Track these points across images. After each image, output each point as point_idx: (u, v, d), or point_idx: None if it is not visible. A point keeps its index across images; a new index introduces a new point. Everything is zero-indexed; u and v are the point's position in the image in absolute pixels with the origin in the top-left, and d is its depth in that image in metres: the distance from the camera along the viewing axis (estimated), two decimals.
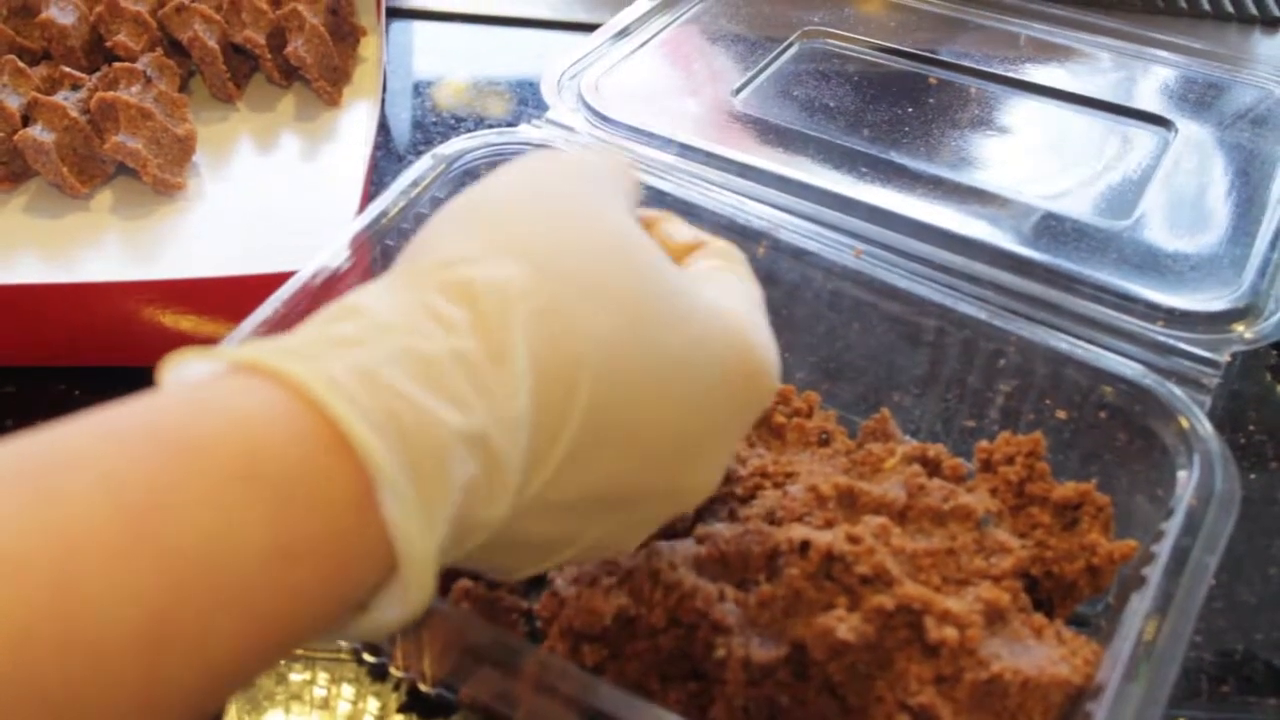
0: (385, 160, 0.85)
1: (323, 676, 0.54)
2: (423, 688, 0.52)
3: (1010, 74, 0.87)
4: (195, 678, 0.30)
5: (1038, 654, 0.47)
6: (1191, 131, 0.81)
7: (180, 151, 0.78)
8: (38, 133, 0.74)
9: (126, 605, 0.29)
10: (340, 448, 0.33)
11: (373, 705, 0.54)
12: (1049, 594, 0.54)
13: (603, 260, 0.39)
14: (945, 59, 0.88)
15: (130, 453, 0.31)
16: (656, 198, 0.67)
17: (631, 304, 0.39)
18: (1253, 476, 0.66)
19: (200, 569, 0.30)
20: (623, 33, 0.85)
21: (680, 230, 0.50)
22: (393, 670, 0.53)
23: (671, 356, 0.39)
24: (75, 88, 0.79)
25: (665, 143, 0.74)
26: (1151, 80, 0.88)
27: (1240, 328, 0.63)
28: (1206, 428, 0.54)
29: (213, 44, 0.84)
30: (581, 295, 0.38)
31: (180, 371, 0.36)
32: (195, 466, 0.31)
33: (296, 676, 0.54)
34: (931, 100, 0.84)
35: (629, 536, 0.43)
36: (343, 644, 0.54)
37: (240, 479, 0.31)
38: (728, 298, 0.44)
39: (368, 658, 0.54)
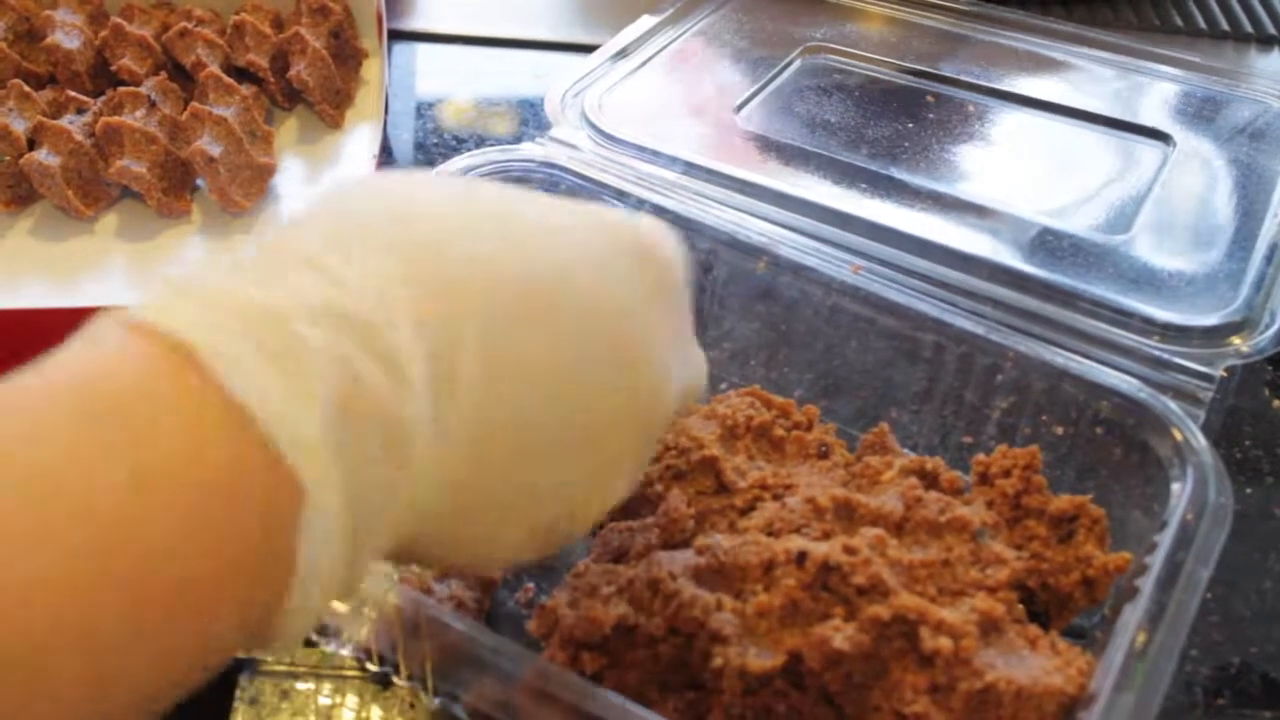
0: None
1: (327, 687, 0.55)
2: (425, 697, 0.53)
3: (1010, 89, 0.87)
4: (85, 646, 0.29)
5: (1032, 664, 0.48)
6: (1190, 146, 0.81)
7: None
8: (43, 156, 0.75)
9: None
10: (179, 360, 0.32)
11: (376, 715, 0.54)
12: (1045, 606, 0.54)
13: (454, 186, 0.41)
14: (946, 74, 0.89)
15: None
16: (658, 214, 0.68)
17: (483, 198, 0.40)
18: (1248, 491, 0.66)
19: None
20: (625, 51, 0.86)
21: None
22: (396, 680, 0.53)
23: (550, 240, 0.40)
24: (80, 111, 0.80)
25: (668, 160, 0.74)
26: (1150, 95, 0.88)
27: (1236, 342, 0.64)
28: (1200, 441, 0.55)
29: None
30: (433, 202, 0.39)
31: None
32: (39, 421, 0.30)
33: (302, 685, 0.55)
34: (931, 115, 0.84)
35: (597, 481, 0.42)
36: (346, 653, 0.55)
37: (85, 425, 0.30)
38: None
39: (371, 667, 0.54)
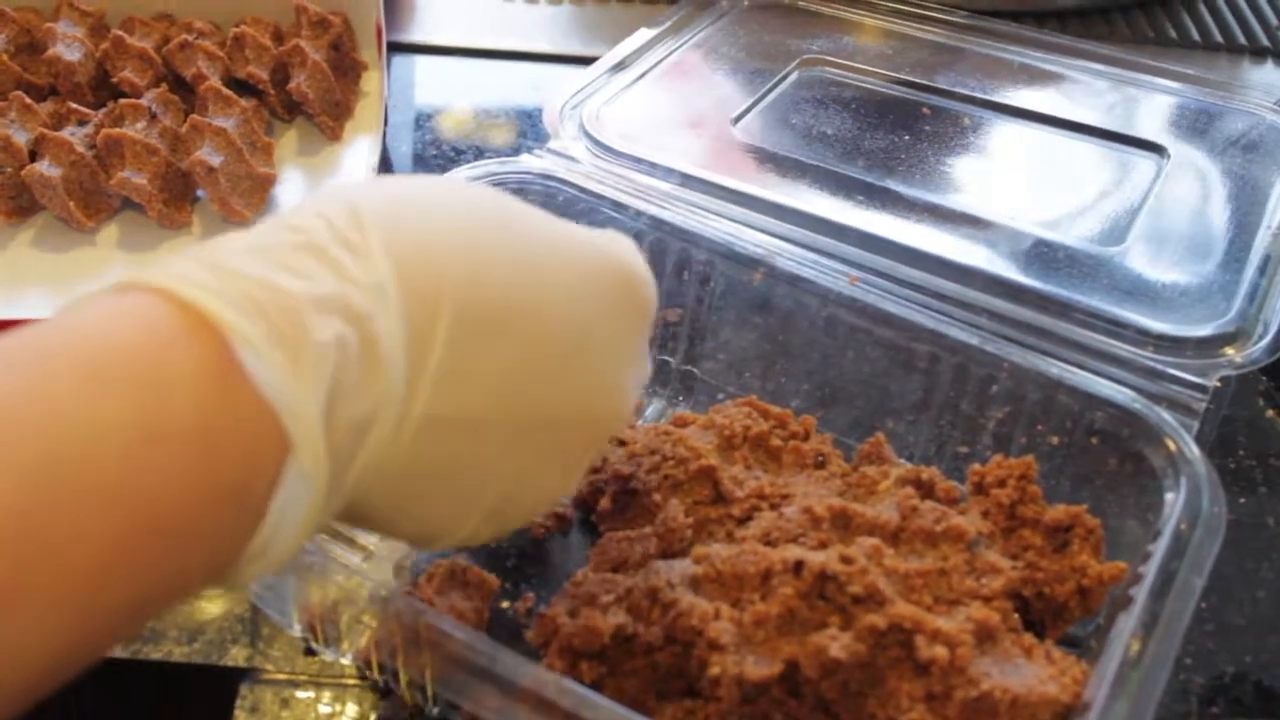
0: None
1: (327, 695, 0.55)
2: (425, 706, 0.53)
3: (1005, 101, 0.88)
4: (67, 577, 0.31)
5: (1027, 673, 0.48)
6: (1184, 158, 0.82)
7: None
8: (45, 168, 0.76)
9: None
10: (195, 326, 0.34)
11: None
12: (1040, 615, 0.55)
13: (465, 193, 0.43)
14: (941, 86, 0.89)
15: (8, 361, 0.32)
16: (656, 226, 0.68)
17: (491, 209, 0.42)
18: (1242, 501, 0.67)
19: (60, 467, 0.31)
20: (623, 63, 0.86)
21: None
22: (395, 689, 0.54)
23: (541, 253, 0.42)
24: (81, 123, 0.80)
25: (665, 172, 0.75)
26: (1144, 107, 0.89)
27: (1230, 352, 0.64)
28: (1194, 451, 0.55)
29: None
30: (440, 207, 0.41)
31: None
32: (46, 370, 0.32)
33: (302, 694, 0.55)
34: (927, 128, 0.85)
35: (545, 474, 0.45)
36: (346, 661, 0.55)
37: (94, 375, 0.32)
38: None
39: (371, 676, 0.54)
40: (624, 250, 0.47)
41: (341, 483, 0.38)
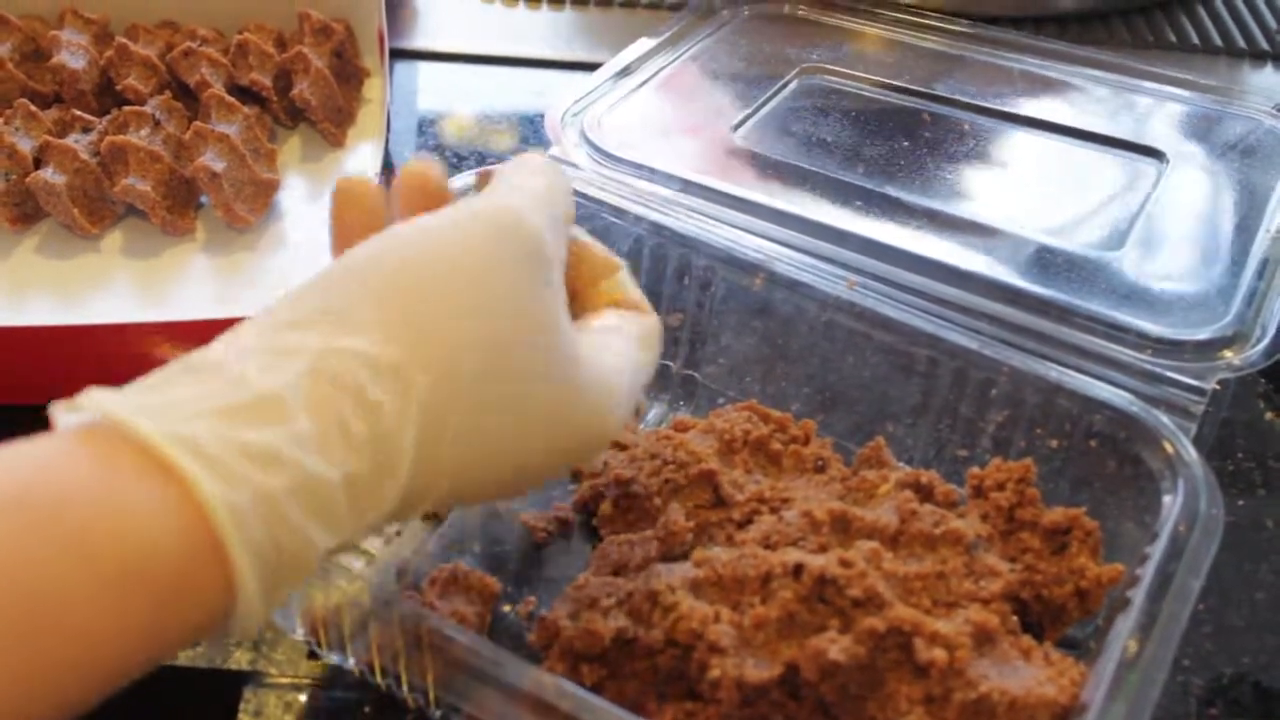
0: None
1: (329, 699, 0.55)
2: (428, 710, 0.53)
3: (1005, 108, 0.88)
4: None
5: (1025, 675, 0.48)
6: (1183, 162, 0.82)
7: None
8: (49, 175, 0.76)
9: None
10: (220, 562, 0.36)
11: None
12: (1039, 617, 0.55)
13: (494, 354, 0.42)
14: (941, 93, 0.89)
15: (25, 540, 0.33)
16: (656, 232, 0.68)
17: (512, 402, 0.42)
18: (1240, 503, 0.67)
19: (72, 663, 0.33)
20: (625, 70, 0.87)
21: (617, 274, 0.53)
22: (399, 693, 0.54)
23: (532, 444, 0.44)
24: (86, 130, 0.81)
25: (666, 178, 0.75)
26: (1144, 112, 0.89)
27: (1228, 355, 0.64)
28: (1191, 453, 0.55)
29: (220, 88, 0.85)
30: (472, 396, 0.41)
31: (74, 419, 0.39)
32: (86, 565, 0.34)
33: (304, 696, 0.55)
34: (927, 134, 0.85)
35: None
36: (349, 665, 0.55)
37: (127, 581, 0.34)
38: (608, 362, 0.47)
39: (375, 679, 0.55)
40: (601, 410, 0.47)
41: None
